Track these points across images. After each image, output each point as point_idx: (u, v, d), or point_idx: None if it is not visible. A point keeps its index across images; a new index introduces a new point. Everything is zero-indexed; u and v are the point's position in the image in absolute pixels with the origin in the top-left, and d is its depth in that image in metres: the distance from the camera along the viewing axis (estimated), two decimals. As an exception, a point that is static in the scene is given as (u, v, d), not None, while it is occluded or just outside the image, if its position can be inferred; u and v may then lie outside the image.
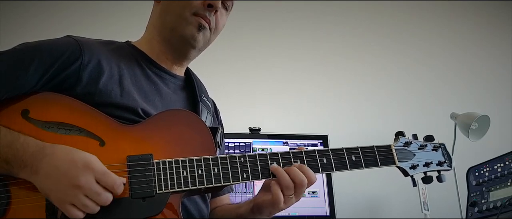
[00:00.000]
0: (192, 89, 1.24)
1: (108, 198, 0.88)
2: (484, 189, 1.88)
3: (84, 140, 0.95)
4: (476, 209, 1.85)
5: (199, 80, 1.30)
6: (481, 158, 1.98)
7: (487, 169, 1.90)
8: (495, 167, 1.86)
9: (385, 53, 2.95)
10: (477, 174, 1.95)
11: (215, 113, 1.35)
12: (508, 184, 1.77)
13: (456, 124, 2.39)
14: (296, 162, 1.06)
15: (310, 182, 1.04)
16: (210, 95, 1.36)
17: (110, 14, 2.58)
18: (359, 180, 2.47)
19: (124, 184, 0.92)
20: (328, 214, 2.16)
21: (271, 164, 1.04)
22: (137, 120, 1.03)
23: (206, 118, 1.21)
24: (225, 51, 2.69)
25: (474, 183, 1.94)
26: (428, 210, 2.24)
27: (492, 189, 1.84)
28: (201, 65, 2.56)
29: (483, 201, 1.85)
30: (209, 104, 1.28)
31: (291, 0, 2.92)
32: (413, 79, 2.93)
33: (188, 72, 1.29)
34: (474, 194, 1.92)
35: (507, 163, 1.82)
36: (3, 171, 0.90)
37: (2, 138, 0.91)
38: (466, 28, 3.14)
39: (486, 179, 1.88)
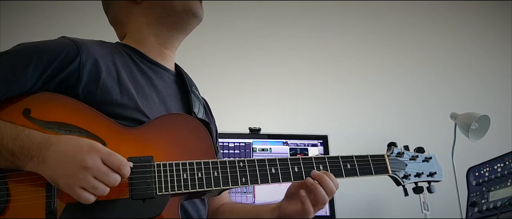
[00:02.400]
0: (183, 82, 1.26)
1: (116, 178, 0.89)
2: (484, 189, 1.88)
3: None
4: (476, 209, 1.85)
5: (189, 76, 1.32)
6: (481, 158, 1.98)
7: (487, 169, 1.90)
8: (495, 167, 1.86)
9: (385, 53, 2.95)
10: (477, 174, 1.95)
11: (209, 111, 1.36)
12: (508, 184, 1.77)
13: (456, 124, 2.39)
14: (293, 168, 1.08)
15: (335, 190, 1.08)
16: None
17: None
18: (359, 180, 2.45)
19: (131, 168, 0.92)
20: (328, 214, 2.16)
21: (269, 169, 1.07)
22: (136, 117, 1.04)
23: (199, 110, 1.22)
24: (226, 52, 2.69)
25: (474, 183, 1.94)
26: (428, 210, 2.24)
27: (492, 189, 1.84)
28: (201, 65, 2.57)
29: (483, 201, 1.85)
30: (200, 97, 1.29)
31: (291, 0, 2.92)
32: (413, 79, 2.93)
33: (178, 68, 1.30)
34: (474, 194, 1.92)
35: (507, 163, 1.82)
36: (9, 164, 0.91)
37: (7, 132, 0.91)
38: (466, 28, 3.14)
39: (486, 179, 1.88)
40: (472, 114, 2.33)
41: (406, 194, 1.21)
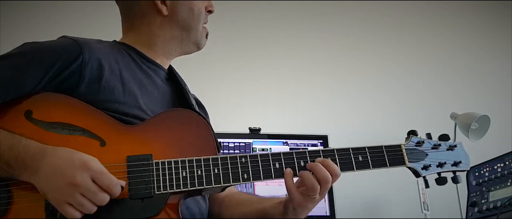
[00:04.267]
0: (176, 80, 1.27)
1: (104, 198, 0.88)
2: (484, 189, 1.88)
3: (86, 140, 0.96)
4: (476, 209, 1.85)
5: (179, 74, 1.32)
6: (481, 158, 1.97)
7: (487, 169, 1.90)
8: (495, 167, 1.86)
9: (385, 53, 2.95)
10: (477, 174, 1.94)
11: (202, 106, 1.36)
12: (508, 184, 1.77)
13: (456, 124, 2.39)
14: (299, 162, 1.03)
15: (335, 177, 1.01)
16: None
17: (109, 14, 2.57)
18: (359, 180, 2.47)
19: (122, 187, 0.91)
20: (328, 214, 2.16)
21: (273, 164, 1.03)
22: (140, 115, 1.04)
23: (194, 106, 1.23)
24: (226, 52, 2.69)
25: (474, 183, 1.94)
26: (428, 210, 2.24)
27: (492, 189, 1.84)
28: (201, 66, 2.57)
29: (483, 201, 1.85)
30: (191, 94, 1.30)
31: (291, 0, 2.92)
32: (413, 79, 2.93)
33: (169, 66, 1.31)
34: (474, 194, 1.92)
35: (507, 163, 1.82)
36: (4, 173, 0.91)
37: (3, 141, 0.91)
38: (466, 28, 3.14)
39: (486, 179, 1.88)
40: (472, 114, 2.33)
41: (426, 185, 1.11)
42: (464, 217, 1.93)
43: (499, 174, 1.83)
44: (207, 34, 1.27)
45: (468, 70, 3.02)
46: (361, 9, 3.02)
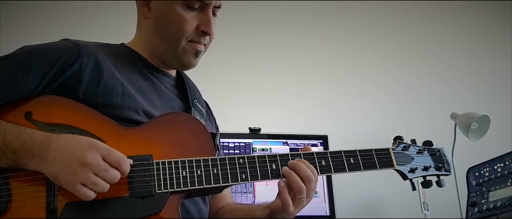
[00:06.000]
0: (184, 91, 1.25)
1: (115, 175, 0.90)
2: (484, 189, 1.88)
3: None
4: (476, 209, 1.85)
5: (191, 82, 1.31)
6: (481, 158, 1.98)
7: (487, 169, 1.90)
8: (495, 167, 1.86)
9: (385, 53, 2.96)
10: (477, 174, 1.95)
11: (211, 115, 1.36)
12: (508, 184, 1.77)
13: (456, 124, 2.39)
14: None
15: (315, 177, 1.05)
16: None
17: (109, 14, 2.58)
18: (359, 180, 2.47)
19: (131, 165, 0.93)
20: (328, 214, 2.16)
21: (269, 165, 1.06)
22: (137, 119, 1.05)
23: (193, 113, 1.21)
24: (226, 52, 2.69)
25: (474, 183, 1.94)
26: (428, 210, 2.24)
27: (492, 189, 1.84)
28: (201, 66, 2.56)
29: (483, 201, 1.85)
30: (202, 109, 1.28)
31: (291, 0, 2.92)
32: (413, 79, 2.93)
33: (179, 72, 1.30)
34: (474, 194, 1.92)
35: (507, 163, 1.82)
36: (11, 162, 0.92)
37: (10, 131, 0.92)
38: (465, 28, 3.14)
39: (486, 179, 1.88)
40: (472, 114, 2.33)
41: (413, 188, 1.19)
42: (464, 217, 1.93)
43: (499, 174, 1.83)
44: (197, 53, 1.16)
45: (468, 70, 3.02)
46: (361, 9, 3.02)
